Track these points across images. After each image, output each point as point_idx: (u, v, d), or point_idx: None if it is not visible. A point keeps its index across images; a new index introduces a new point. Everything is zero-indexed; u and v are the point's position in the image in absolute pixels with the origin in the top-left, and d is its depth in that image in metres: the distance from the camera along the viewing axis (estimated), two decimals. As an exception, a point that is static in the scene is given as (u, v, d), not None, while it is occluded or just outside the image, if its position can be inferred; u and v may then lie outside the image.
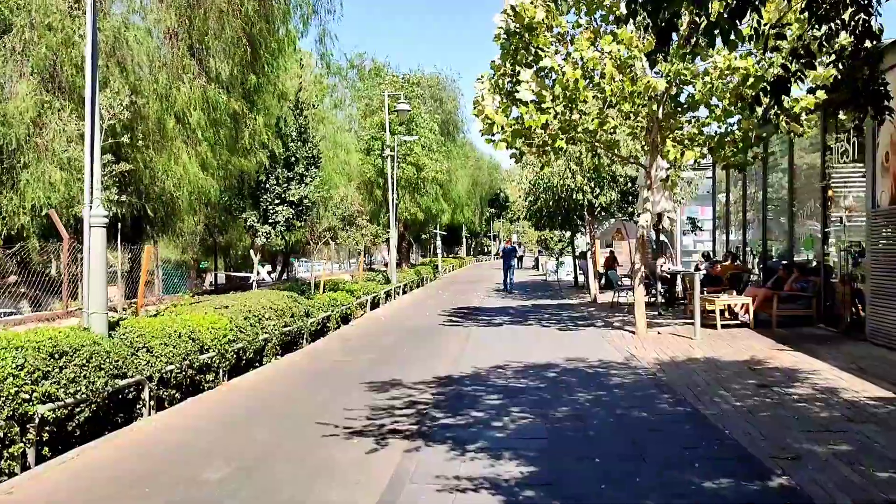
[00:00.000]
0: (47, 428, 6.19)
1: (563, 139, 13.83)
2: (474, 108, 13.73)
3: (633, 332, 14.25)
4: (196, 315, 10.23)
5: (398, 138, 27.74)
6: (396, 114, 27.33)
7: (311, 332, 14.40)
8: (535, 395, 8.64)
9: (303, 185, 14.43)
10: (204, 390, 9.40)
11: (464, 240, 70.13)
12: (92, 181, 8.07)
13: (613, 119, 13.83)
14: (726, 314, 15.01)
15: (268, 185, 14.22)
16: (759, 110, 12.15)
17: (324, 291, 18.85)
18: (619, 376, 9.74)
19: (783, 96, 5.34)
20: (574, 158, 21.20)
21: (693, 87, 13.81)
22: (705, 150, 14.91)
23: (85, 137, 7.94)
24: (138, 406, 7.84)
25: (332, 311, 16.19)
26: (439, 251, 45.45)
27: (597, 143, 15.13)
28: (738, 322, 14.61)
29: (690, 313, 16.09)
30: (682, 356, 11.20)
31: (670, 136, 14.77)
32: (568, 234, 29.85)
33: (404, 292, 27.54)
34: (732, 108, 13.02)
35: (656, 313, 17.76)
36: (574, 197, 21.36)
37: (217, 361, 9.77)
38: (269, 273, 22.35)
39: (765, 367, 9.92)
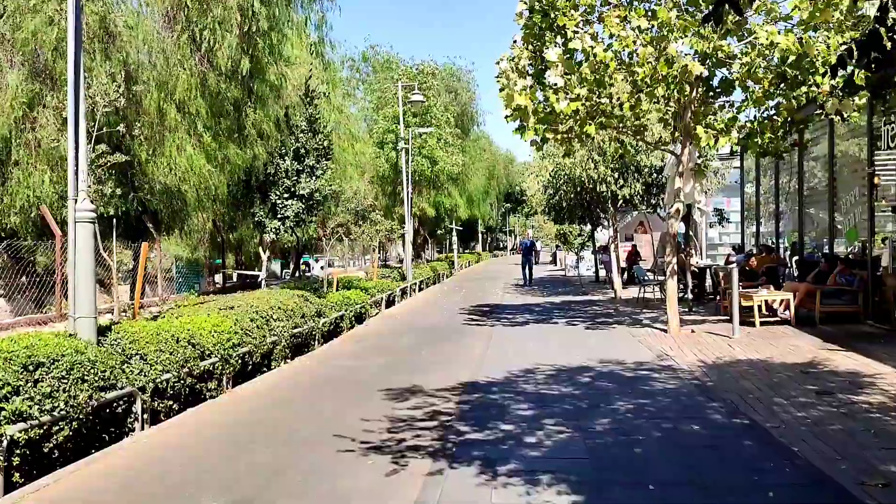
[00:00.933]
0: (18, 451, 5.42)
1: (591, 125, 12.94)
2: (500, 90, 12.81)
3: (664, 331, 13.38)
4: (198, 317, 9.47)
5: (412, 130, 26.91)
6: (410, 105, 26.50)
7: (323, 333, 13.63)
8: (569, 403, 7.79)
9: (313, 177, 13.63)
10: (205, 399, 8.63)
11: (480, 235, 69.24)
12: (77, 171, 7.29)
13: (644, 103, 12.92)
14: (763, 310, 14.09)
15: (276, 179, 13.43)
16: (825, 83, 11.30)
17: (337, 289, 18.09)
18: (660, 381, 8.88)
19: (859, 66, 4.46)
20: (597, 148, 20.28)
21: (728, 68, 12.97)
22: (740, 137, 13.99)
23: (68, 122, 7.16)
24: (130, 420, 7.06)
25: (346, 311, 15.40)
26: (455, 247, 44.60)
27: (624, 130, 14.25)
28: (778, 319, 13.67)
29: (724, 309, 15.23)
30: (723, 357, 10.31)
31: (703, 121, 13.89)
32: (588, 227, 28.91)
33: (420, 289, 26.75)
34: (773, 88, 12.08)
35: (685, 309, 16.86)
36: (597, 188, 20.43)
37: (220, 368, 9.00)
38: (267, 270, 21.32)
39: (820, 371, 9.01)
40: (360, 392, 8.96)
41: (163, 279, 17.29)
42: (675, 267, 13.56)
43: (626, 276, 24.73)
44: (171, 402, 7.82)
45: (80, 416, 6.09)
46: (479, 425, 6.92)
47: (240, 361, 9.61)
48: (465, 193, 39.17)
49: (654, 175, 21.30)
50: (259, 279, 14.40)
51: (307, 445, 6.58)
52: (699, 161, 14.34)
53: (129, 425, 7.07)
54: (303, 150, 13.60)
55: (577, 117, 12.97)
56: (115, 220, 9.94)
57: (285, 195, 13.51)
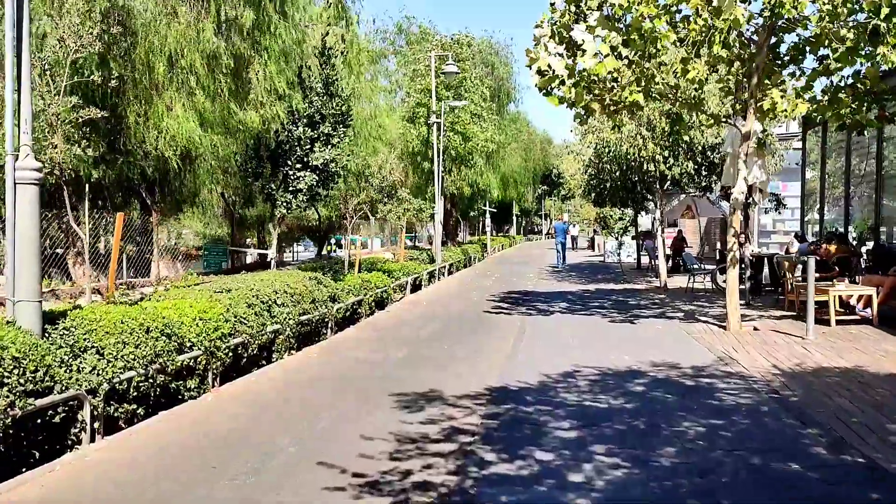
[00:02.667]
0: None
1: (639, 91, 11.27)
2: (527, 56, 11.20)
3: (723, 327, 11.75)
4: (182, 302, 8.09)
5: (445, 104, 25.31)
6: (444, 77, 24.88)
7: (337, 320, 12.22)
8: (622, 422, 6.26)
9: (329, 146, 12.17)
10: (184, 400, 7.25)
11: (514, 218, 67.45)
12: (19, 120, 5.90)
13: (699, 68, 11.19)
14: (836, 306, 12.35)
15: (288, 147, 11.99)
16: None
17: (359, 271, 16.69)
18: (730, 393, 7.29)
19: None
20: (646, 123, 18.53)
21: (801, 27, 11.28)
22: (814, 107, 12.23)
23: (6, 56, 5.76)
24: (75, 430, 5.70)
25: (365, 295, 13.98)
26: (488, 229, 42.97)
27: (680, 101, 12.55)
28: (857, 318, 11.91)
29: (788, 304, 13.52)
30: (802, 364, 8.66)
31: (771, 89, 12.16)
32: (630, 211, 27.12)
33: (450, 273, 25.27)
34: (863, 44, 10.31)
35: (742, 303, 15.16)
36: (645, 168, 18.67)
37: (204, 362, 7.61)
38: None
39: (932, 386, 7.35)
40: (366, 396, 7.51)
41: (167, 258, 16.12)
42: (738, 256, 11.86)
43: (670, 263, 22.96)
44: (134, 407, 6.44)
45: (-6, 431, 4.72)
46: (508, 452, 5.42)
47: (230, 354, 8.22)
48: (500, 173, 37.48)
49: (708, 154, 19.48)
50: (268, 258, 13.04)
51: (285, 475, 5.13)
52: (763, 135, 12.58)
53: (75, 436, 5.70)
54: (318, 116, 12.12)
55: (619, 83, 11.35)
56: (87, 185, 8.57)
57: (297, 166, 12.06)
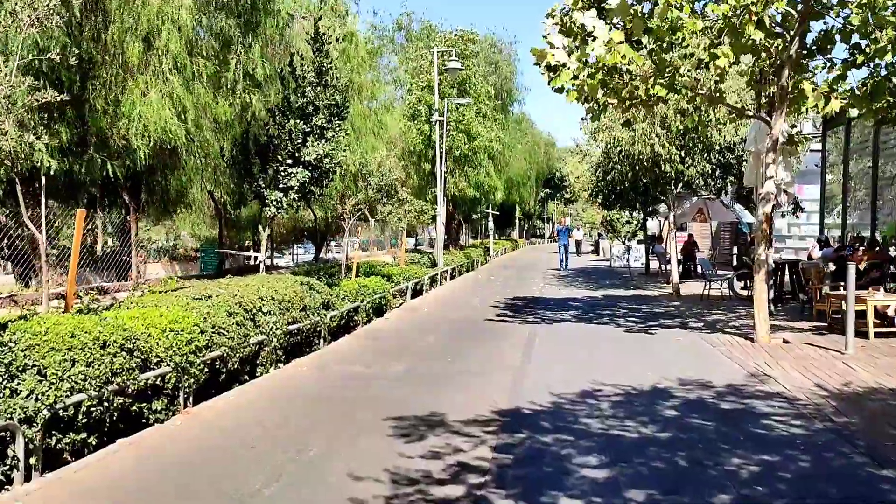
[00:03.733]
0: None
1: (662, 83, 10.33)
2: (533, 55, 10.23)
3: (749, 339, 10.79)
4: (151, 311, 7.14)
5: (448, 102, 24.37)
6: (446, 73, 23.95)
7: (331, 329, 11.28)
8: (658, 456, 5.31)
9: (323, 140, 11.22)
10: (149, 424, 6.30)
11: (517, 221, 66.47)
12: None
13: (729, 54, 10.25)
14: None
15: (279, 141, 11.05)
16: None
17: (357, 275, 15.75)
18: (777, 419, 6.34)
19: None
20: (660, 121, 17.59)
21: (829, 15, 10.41)
22: (848, 100, 11.31)
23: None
24: (4, 468, 4.75)
25: (362, 302, 13.03)
26: (491, 233, 41.99)
27: (699, 95, 11.62)
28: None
29: (818, 314, 12.56)
30: (849, 383, 7.70)
31: (802, 83, 11.25)
32: (640, 215, 26.19)
33: (452, 277, 24.31)
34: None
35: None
36: (658, 168, 17.72)
37: (174, 380, 6.67)
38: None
39: None
40: (359, 420, 6.56)
41: (164, 260, 15.23)
42: (765, 260, 10.89)
43: (680, 268, 21.99)
44: (84, 436, 5.50)
45: None
46: (527, 499, 4.47)
47: (206, 370, 7.28)
48: (504, 176, 36.44)
49: (726, 154, 18.55)
50: (256, 261, 12.09)
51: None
52: (793, 132, 11.65)
53: (4, 476, 4.75)
54: (310, 108, 11.18)
55: (641, 74, 10.44)
56: (43, 178, 7.60)
57: (288, 161, 11.10)
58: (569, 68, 9.73)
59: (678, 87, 10.51)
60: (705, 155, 17.93)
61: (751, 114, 11.71)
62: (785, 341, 10.66)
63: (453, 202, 33.89)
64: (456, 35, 26.13)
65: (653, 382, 7.89)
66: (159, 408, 6.45)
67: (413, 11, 32.50)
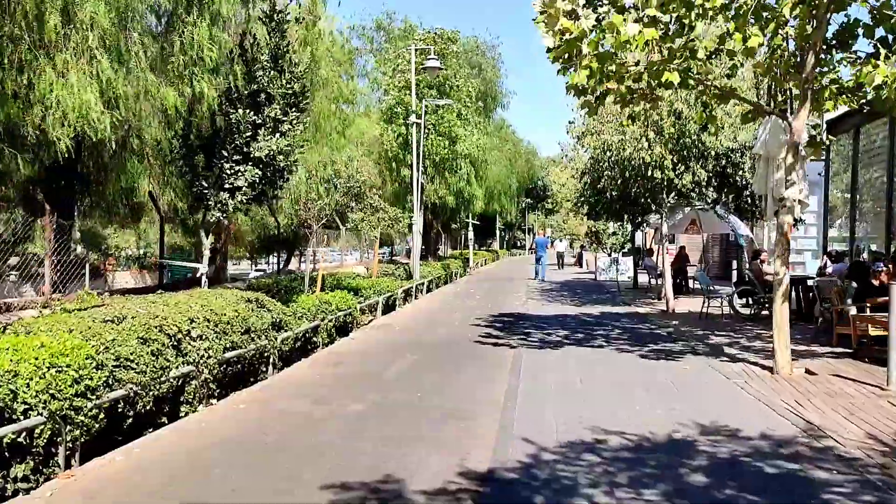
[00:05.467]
0: None
1: (674, 69, 8.89)
2: (539, 16, 8.72)
3: (767, 369, 9.34)
4: (29, 341, 5.51)
5: (427, 103, 22.85)
6: (425, 73, 22.43)
7: (283, 353, 9.68)
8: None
9: (277, 134, 9.63)
10: (3, 500, 4.67)
11: (497, 231, 65.06)
12: None
13: (758, 36, 8.85)
14: None
15: (225, 135, 9.44)
16: None
17: (322, 289, 14.18)
18: (842, 491, 4.83)
19: None
20: (653, 124, 16.19)
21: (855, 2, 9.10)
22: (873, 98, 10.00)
23: None
24: None
25: (322, 320, 11.43)
26: (471, 243, 40.49)
27: (711, 88, 10.20)
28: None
29: (839, 339, 11.12)
30: (912, 434, 6.24)
31: (828, 73, 9.93)
32: (626, 225, 24.79)
33: (429, 290, 22.73)
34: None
35: (764, 332, 12.82)
36: (651, 175, 16.29)
37: (48, 434, 5.04)
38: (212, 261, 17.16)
39: None
40: (291, 489, 4.97)
41: (135, 269, 13.52)
42: (784, 277, 9.43)
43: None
44: None
45: None
46: None
47: (102, 417, 5.65)
48: (484, 184, 34.96)
49: (721, 160, 17.19)
50: (199, 274, 10.47)
51: None
52: (815, 133, 10.28)
53: None
54: (263, 97, 9.58)
55: (651, 59, 9.03)
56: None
57: (236, 157, 9.50)
58: (578, 43, 8.27)
59: (692, 74, 9.08)
60: (700, 162, 16.53)
61: (769, 110, 10.27)
62: (808, 372, 9.21)
63: (432, 211, 32.37)
64: (435, 34, 24.63)
65: (668, 430, 6.38)
66: (22, 474, 4.82)
67: (395, 11, 30.92)
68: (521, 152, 51.94)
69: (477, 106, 26.02)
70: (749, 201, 19.55)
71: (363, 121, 27.04)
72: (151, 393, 6.38)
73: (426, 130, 23.36)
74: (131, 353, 6.24)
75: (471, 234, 40.29)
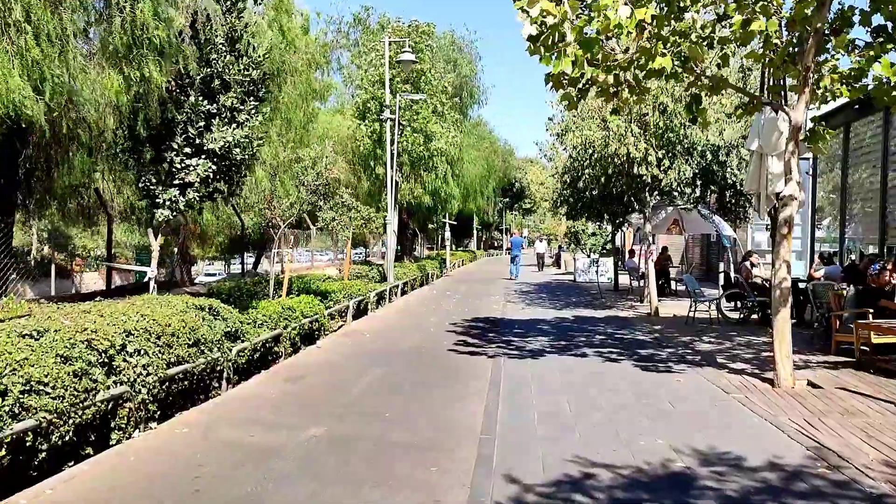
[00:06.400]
0: None
1: (666, 52, 8.15)
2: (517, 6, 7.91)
3: (767, 381, 8.63)
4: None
5: (401, 98, 21.97)
6: (399, 66, 21.57)
7: (239, 366, 8.79)
8: None
9: (233, 125, 8.72)
10: None
11: (475, 231, 64.26)
12: None
13: (758, 21, 8.14)
14: None
15: (174, 125, 8.51)
16: None
17: (289, 293, 13.29)
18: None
19: None
20: (637, 118, 15.47)
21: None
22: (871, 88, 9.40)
23: None
24: None
25: (285, 328, 10.54)
26: (448, 243, 39.62)
27: (703, 78, 9.46)
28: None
29: (838, 347, 10.43)
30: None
31: (828, 62, 9.26)
32: (607, 225, 24.05)
33: (403, 293, 21.86)
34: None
35: (755, 339, 12.15)
36: (635, 171, 15.55)
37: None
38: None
39: None
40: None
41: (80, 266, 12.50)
42: (787, 281, 8.70)
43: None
44: None
45: None
46: None
47: (4, 453, 4.74)
48: (461, 183, 34.11)
49: (709, 157, 16.51)
50: (147, 278, 9.52)
51: None
52: (818, 125, 9.56)
53: None
54: (217, 83, 8.67)
55: (640, 43, 8.28)
56: None
57: (186, 150, 8.57)
58: (561, 29, 7.48)
59: (683, 59, 8.34)
60: (686, 158, 15.82)
61: (767, 101, 9.54)
62: (812, 384, 8.51)
63: (408, 210, 31.48)
64: (410, 27, 23.75)
65: (666, 458, 5.60)
66: None
67: (372, 7, 29.79)
68: (498, 151, 51.15)
69: (453, 102, 25.14)
70: (734, 201, 18.95)
71: (336, 118, 26.11)
72: (72, 421, 5.48)
73: (400, 127, 22.48)
74: (46, 375, 5.32)
75: (448, 235, 39.44)
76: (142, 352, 6.68)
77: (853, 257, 15.62)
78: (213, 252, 30.78)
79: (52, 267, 16.87)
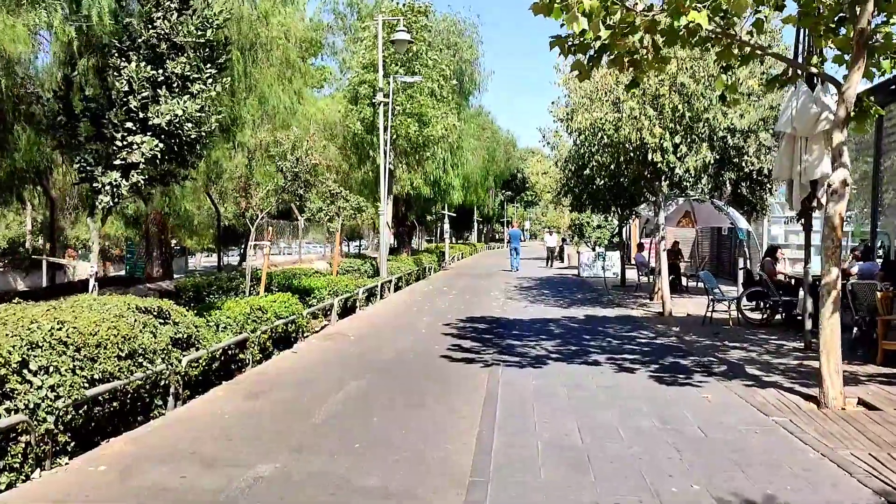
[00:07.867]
0: None
1: (701, 7, 6.81)
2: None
3: (812, 401, 7.31)
4: None
5: (394, 80, 20.60)
6: (393, 48, 20.20)
7: (191, 379, 7.48)
8: None
9: (186, 96, 7.39)
10: None
11: (475, 224, 62.85)
12: None
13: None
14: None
15: (115, 97, 7.18)
16: None
17: (268, 290, 12.00)
18: None
19: None
20: (650, 99, 14.10)
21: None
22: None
23: None
24: None
25: (254, 332, 9.22)
26: (447, 236, 38.20)
27: (738, 43, 8.12)
28: None
29: (885, 355, 9.10)
30: None
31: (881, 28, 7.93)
32: (614, 217, 22.69)
33: (397, 288, 20.51)
34: None
35: (785, 344, 10.84)
36: (649, 158, 14.18)
37: None
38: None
39: None
40: None
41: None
42: (835, 282, 7.35)
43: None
44: None
45: None
46: None
47: None
48: (462, 172, 32.73)
49: (727, 142, 15.10)
50: (88, 274, 8.22)
51: None
52: (868, 101, 8.22)
53: None
54: (165, 46, 7.32)
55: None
56: None
57: (129, 125, 7.23)
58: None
59: (725, 13, 7.01)
60: (709, 143, 14.44)
61: (810, 69, 8.18)
62: (864, 404, 7.21)
63: (406, 202, 30.14)
64: (405, 6, 22.34)
65: (711, 514, 4.29)
66: None
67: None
68: (500, 141, 49.68)
69: (452, 86, 23.72)
70: (751, 190, 17.62)
71: (326, 101, 24.76)
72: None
73: (395, 111, 21.11)
74: None
75: (447, 227, 38.04)
76: (49, 369, 5.37)
77: (881, 252, 14.32)
78: (208, 243, 29.51)
79: (44, 261, 15.75)
